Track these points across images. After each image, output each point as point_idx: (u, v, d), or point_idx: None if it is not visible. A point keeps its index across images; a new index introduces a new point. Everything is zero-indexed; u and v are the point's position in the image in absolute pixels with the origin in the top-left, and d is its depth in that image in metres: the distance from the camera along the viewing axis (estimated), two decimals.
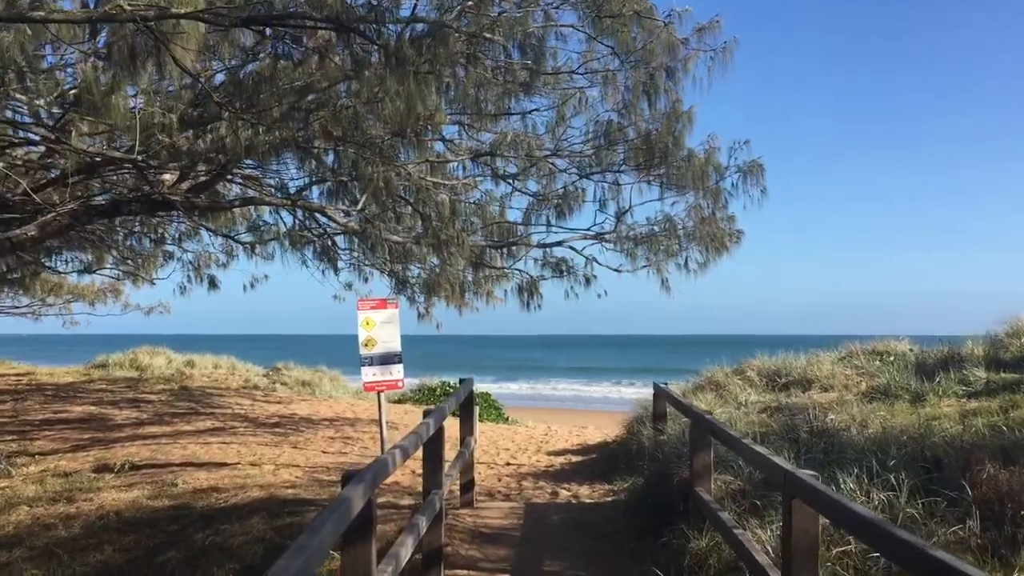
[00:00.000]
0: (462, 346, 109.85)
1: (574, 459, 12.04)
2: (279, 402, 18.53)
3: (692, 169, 10.95)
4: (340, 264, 14.76)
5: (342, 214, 12.01)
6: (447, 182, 12.15)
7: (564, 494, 9.24)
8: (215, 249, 17.37)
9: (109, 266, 19.79)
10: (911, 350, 13.45)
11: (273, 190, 12.70)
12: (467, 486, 8.24)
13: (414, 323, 14.51)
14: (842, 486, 5.73)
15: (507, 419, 19.02)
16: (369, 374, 10.80)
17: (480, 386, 23.38)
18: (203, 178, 11.50)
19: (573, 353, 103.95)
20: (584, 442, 13.87)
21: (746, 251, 12.40)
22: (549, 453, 12.70)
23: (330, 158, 11.32)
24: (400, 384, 11.08)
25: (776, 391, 11.72)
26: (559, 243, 12.33)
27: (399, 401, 19.62)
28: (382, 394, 10.94)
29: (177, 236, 17.00)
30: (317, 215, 13.11)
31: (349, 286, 15.30)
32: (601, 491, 9.24)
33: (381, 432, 10.70)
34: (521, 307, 12.69)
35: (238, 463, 10.95)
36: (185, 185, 11.42)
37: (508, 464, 11.60)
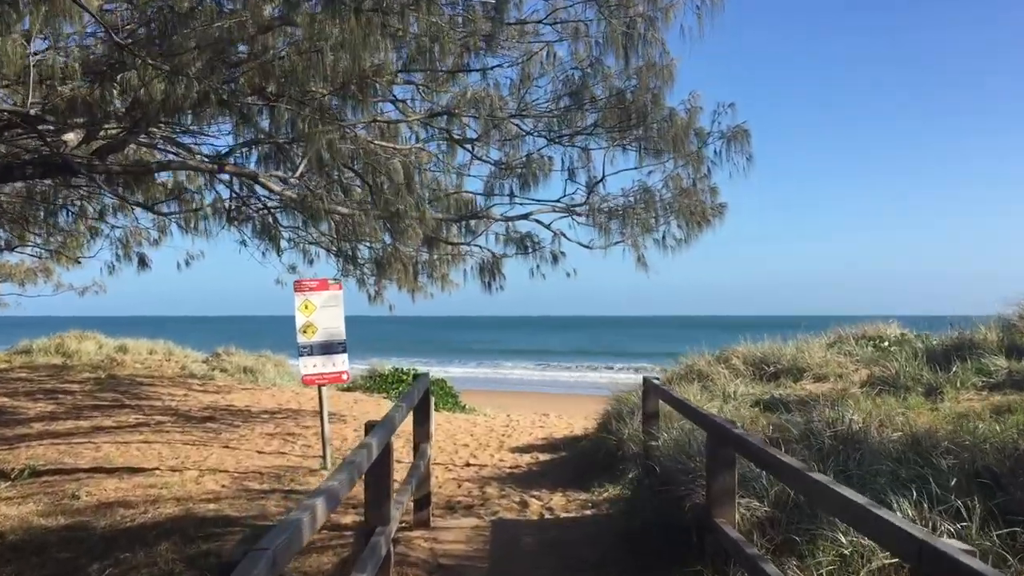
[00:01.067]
0: (416, 328, 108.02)
1: (541, 457, 10.79)
2: (216, 392, 16.99)
3: (674, 129, 9.74)
4: (283, 244, 13.30)
5: (279, 182, 10.55)
6: (399, 147, 10.77)
7: (535, 505, 7.95)
8: (147, 225, 15.85)
9: (32, 244, 18.21)
10: (903, 334, 12.47)
11: (204, 159, 11.21)
12: (422, 501, 6.91)
13: (364, 305, 13.16)
14: (896, 513, 4.53)
15: (464, 407, 17.71)
16: (309, 365, 9.45)
17: (434, 370, 22.06)
18: (114, 138, 9.95)
19: (534, 334, 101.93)
20: (550, 435, 12.64)
21: (735, 228, 11.35)
22: (513, 450, 11.43)
23: (265, 122, 9.87)
24: (345, 377, 9.77)
25: (765, 381, 10.60)
26: (524, 216, 11.03)
27: (348, 389, 18.16)
28: (324, 387, 9.60)
29: (99, 210, 15.41)
30: (256, 186, 11.66)
31: (293, 268, 13.90)
32: (578, 501, 7.97)
33: (323, 433, 9.35)
34: (483, 288, 11.38)
35: (156, 468, 9.49)
36: (93, 146, 9.89)
37: (468, 465, 10.30)
